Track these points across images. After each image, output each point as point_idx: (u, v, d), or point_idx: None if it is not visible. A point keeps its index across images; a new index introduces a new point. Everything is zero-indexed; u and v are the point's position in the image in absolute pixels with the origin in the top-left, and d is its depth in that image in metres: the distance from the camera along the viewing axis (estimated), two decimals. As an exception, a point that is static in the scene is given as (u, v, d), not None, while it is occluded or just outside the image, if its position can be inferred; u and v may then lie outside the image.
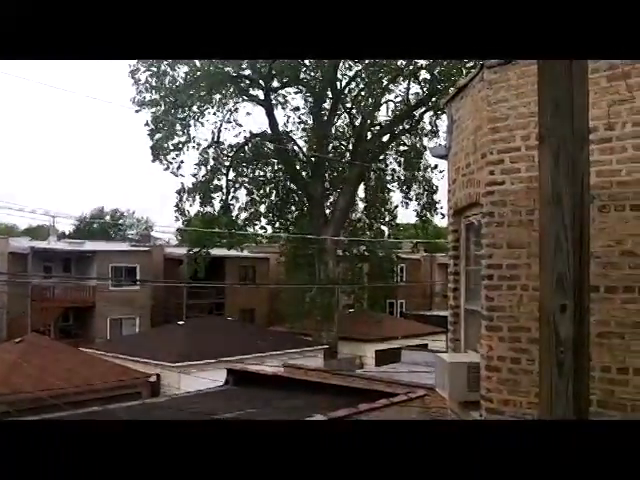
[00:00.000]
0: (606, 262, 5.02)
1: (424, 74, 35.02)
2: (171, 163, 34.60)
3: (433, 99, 33.41)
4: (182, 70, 33.44)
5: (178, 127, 34.08)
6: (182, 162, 34.82)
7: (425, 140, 36.90)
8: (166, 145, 34.07)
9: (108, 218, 73.07)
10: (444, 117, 8.73)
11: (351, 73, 36.60)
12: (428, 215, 37.93)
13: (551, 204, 2.55)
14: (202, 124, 34.99)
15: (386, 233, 39.96)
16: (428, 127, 36.91)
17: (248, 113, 46.63)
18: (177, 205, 35.13)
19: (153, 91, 33.99)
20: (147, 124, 34.18)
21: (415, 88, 36.13)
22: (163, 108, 33.69)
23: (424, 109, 35.84)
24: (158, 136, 33.92)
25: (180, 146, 34.42)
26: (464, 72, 25.15)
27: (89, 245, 43.17)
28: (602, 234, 5.01)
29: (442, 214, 35.02)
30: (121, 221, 74.50)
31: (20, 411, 14.79)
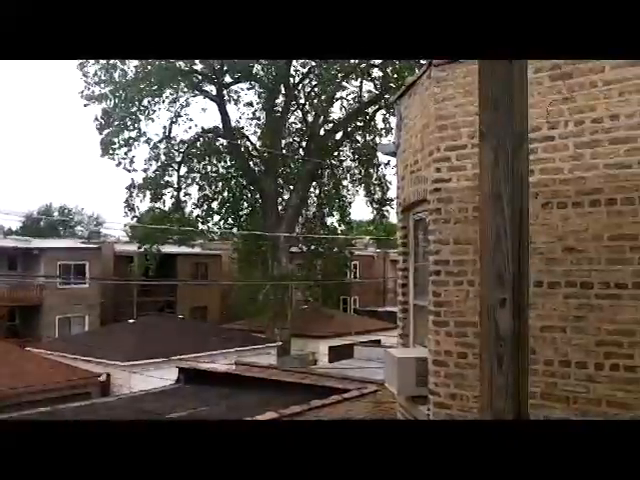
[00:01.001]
0: (549, 258, 5.14)
1: (377, 72, 35.26)
2: (124, 158, 34.15)
3: (386, 96, 33.63)
4: (132, 64, 32.98)
5: (128, 122, 33.58)
6: (134, 157, 34.44)
7: (378, 137, 37.11)
8: (116, 140, 33.57)
9: (56, 215, 71.62)
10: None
11: (304, 70, 36.62)
12: (382, 212, 38.18)
13: (491, 200, 2.59)
14: (153, 119, 34.62)
15: (340, 230, 40.03)
16: (381, 124, 37.19)
17: (203, 109, 46.24)
18: (127, 201, 34.64)
19: (102, 85, 33.43)
20: (96, 119, 33.65)
21: (368, 86, 36.38)
22: (113, 102, 33.15)
23: (377, 107, 36.05)
24: (107, 131, 33.40)
25: (131, 141, 33.95)
26: (415, 70, 25.34)
27: (36, 242, 42.21)
28: (545, 230, 5.13)
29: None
30: (70, 218, 73.08)
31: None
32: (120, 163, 34.14)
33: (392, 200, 36.53)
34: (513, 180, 2.56)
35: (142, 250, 35.66)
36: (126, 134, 33.78)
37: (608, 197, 4.90)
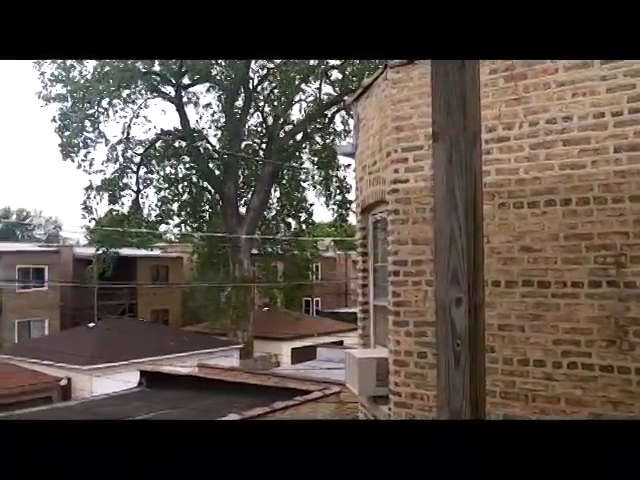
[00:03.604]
0: (506, 257, 5.19)
1: (336, 74, 35.34)
2: (84, 160, 33.65)
3: (345, 98, 33.67)
4: (90, 64, 32.52)
5: (87, 123, 33.11)
6: (93, 159, 33.98)
7: (338, 139, 37.15)
8: (76, 142, 33.03)
9: (14, 218, 70.42)
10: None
11: (263, 72, 36.52)
12: (342, 214, 38.23)
13: (445, 200, 2.60)
14: (112, 121, 34.21)
15: (301, 232, 39.96)
16: (340, 126, 37.25)
17: (163, 111, 45.71)
18: (84, 203, 34.10)
19: (60, 85, 32.90)
20: (54, 120, 33.08)
21: (327, 88, 36.42)
22: (71, 103, 32.64)
23: (336, 108, 36.09)
24: (67, 133, 32.85)
25: (90, 143, 33.48)
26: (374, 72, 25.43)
27: (-6, 246, 41.38)
28: (502, 230, 5.18)
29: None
30: (28, 221, 71.90)
31: None
32: (80, 165, 33.68)
33: (352, 202, 36.59)
34: (467, 180, 2.57)
35: (100, 253, 35.17)
36: (85, 135, 33.29)
37: (563, 197, 4.98)
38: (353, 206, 36.33)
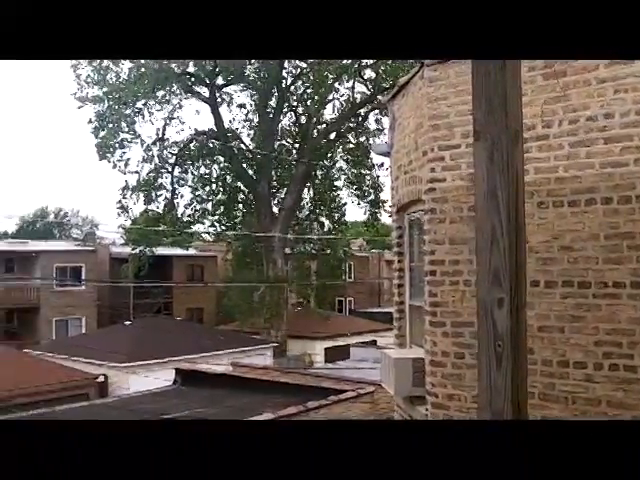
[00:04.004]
0: (545, 257, 5.12)
1: (369, 73, 35.23)
2: (119, 160, 34.04)
3: (378, 97, 33.57)
4: (125, 66, 32.88)
5: (123, 124, 33.49)
6: (129, 159, 34.35)
7: (371, 138, 37.02)
8: (111, 142, 33.43)
9: (52, 217, 71.60)
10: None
11: (296, 71, 36.58)
12: (375, 213, 38.12)
13: (487, 199, 2.57)
14: (149, 121, 34.58)
15: (334, 231, 39.94)
16: (374, 125, 37.13)
17: (197, 111, 46.07)
18: (120, 203, 34.49)
19: (96, 87, 33.31)
20: (90, 121, 33.52)
21: (360, 87, 36.34)
22: (106, 104, 33.03)
23: (370, 107, 36.01)
24: (103, 133, 33.26)
25: (125, 143, 33.86)
26: (408, 70, 25.26)
27: (32, 245, 42.13)
28: (541, 230, 5.11)
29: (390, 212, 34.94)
30: (65, 220, 73.05)
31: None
32: (116, 165, 34.08)
33: (385, 201, 36.44)
34: (509, 178, 2.55)
35: (135, 252, 35.56)
36: (121, 136, 33.69)
37: (604, 196, 4.89)
38: (387, 205, 36.31)
